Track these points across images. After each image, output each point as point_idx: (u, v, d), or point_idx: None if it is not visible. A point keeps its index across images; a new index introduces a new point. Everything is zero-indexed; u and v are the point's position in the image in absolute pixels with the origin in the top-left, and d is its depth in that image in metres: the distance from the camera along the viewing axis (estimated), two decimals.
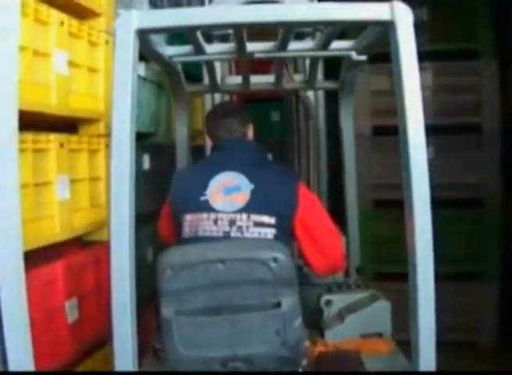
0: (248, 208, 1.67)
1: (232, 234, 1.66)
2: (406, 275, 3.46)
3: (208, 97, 2.83)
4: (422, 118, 1.38)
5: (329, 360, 1.81)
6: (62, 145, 1.88)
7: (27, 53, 1.67)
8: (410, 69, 1.37)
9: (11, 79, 1.43)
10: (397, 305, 3.41)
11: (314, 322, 2.08)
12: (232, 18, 1.35)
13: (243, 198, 1.68)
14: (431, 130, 3.51)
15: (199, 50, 1.75)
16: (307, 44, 1.77)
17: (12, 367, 1.38)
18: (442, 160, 3.50)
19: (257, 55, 1.86)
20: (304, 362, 1.61)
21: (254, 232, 1.66)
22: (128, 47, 1.33)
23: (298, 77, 2.55)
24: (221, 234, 1.67)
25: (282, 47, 1.74)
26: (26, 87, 1.64)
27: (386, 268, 3.50)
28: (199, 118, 3.17)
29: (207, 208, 1.69)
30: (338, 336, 1.99)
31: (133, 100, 1.36)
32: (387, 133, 3.40)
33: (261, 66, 2.44)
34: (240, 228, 1.66)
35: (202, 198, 1.70)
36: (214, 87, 2.27)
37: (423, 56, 3.46)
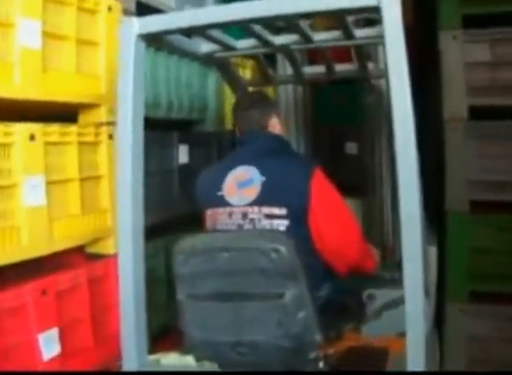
0: (259, 201, 1.82)
1: (246, 227, 1.83)
2: (510, 296, 3.15)
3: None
4: (410, 107, 1.40)
5: (354, 355, 1.90)
6: (32, 138, 1.65)
7: None
8: (397, 56, 1.39)
9: None
10: (497, 334, 3.11)
11: (359, 315, 2.16)
12: (221, 17, 1.51)
13: (254, 191, 1.83)
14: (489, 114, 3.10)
15: (226, 46, 1.92)
16: (334, 34, 1.85)
17: None
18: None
19: (293, 47, 2.00)
20: (313, 354, 1.72)
21: (266, 224, 1.81)
22: (130, 52, 1.55)
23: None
24: (235, 227, 1.85)
25: (306, 39, 1.84)
26: None
27: (485, 286, 3.08)
28: None
29: (223, 202, 1.88)
30: (374, 332, 2.05)
31: (137, 104, 1.57)
32: (488, 116, 3.10)
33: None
34: (252, 221, 1.82)
35: (218, 193, 1.89)
36: (267, 80, 2.42)
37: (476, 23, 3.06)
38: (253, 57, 2.25)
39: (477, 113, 3.14)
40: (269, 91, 3.37)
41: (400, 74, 1.39)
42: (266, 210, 1.81)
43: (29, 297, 1.65)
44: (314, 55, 2.91)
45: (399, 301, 2.12)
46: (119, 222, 1.58)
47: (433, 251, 3.10)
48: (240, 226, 1.84)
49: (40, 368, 1.67)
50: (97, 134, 2.00)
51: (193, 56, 2.06)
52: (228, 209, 1.86)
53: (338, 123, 3.73)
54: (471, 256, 3.11)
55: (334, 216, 1.86)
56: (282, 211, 1.80)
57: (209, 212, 1.93)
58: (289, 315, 1.65)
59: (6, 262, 1.58)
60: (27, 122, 1.71)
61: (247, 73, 3.03)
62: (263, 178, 1.84)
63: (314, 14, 1.49)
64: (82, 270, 1.93)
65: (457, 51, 3.10)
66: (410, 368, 1.45)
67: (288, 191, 1.81)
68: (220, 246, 1.68)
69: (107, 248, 2.04)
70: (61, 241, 1.84)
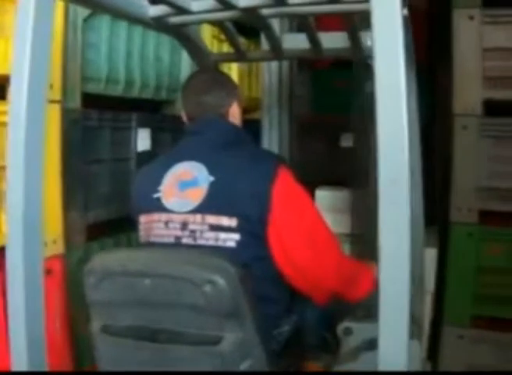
0: (203, 208, 1.40)
1: (184, 240, 1.41)
2: None
3: None
4: (404, 99, 1.00)
5: None
6: None
7: None
8: (387, 27, 1.01)
9: None
10: (500, 364, 2.69)
11: (330, 356, 1.76)
12: None
13: (198, 194, 1.41)
14: None
15: (179, 8, 1.50)
16: None
17: None
18: None
19: (264, 12, 1.58)
20: None
21: (210, 238, 1.39)
22: (28, 12, 1.12)
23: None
24: (172, 240, 1.42)
25: (277, 1, 1.42)
26: None
27: (490, 310, 2.63)
28: (254, 82, 2.87)
29: (158, 207, 1.45)
30: None
31: (37, 78, 1.16)
32: (507, 112, 2.59)
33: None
34: (192, 233, 1.40)
35: (155, 195, 1.46)
36: (239, 56, 1.99)
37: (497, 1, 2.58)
38: (219, 25, 1.82)
39: (493, 108, 2.65)
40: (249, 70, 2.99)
41: (390, 54, 0.99)
42: (212, 220, 1.39)
43: None
44: None
45: None
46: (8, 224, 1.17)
47: (431, 253, 2.66)
48: (178, 239, 1.42)
49: None
50: None
51: (141, 22, 1.63)
52: (164, 216, 1.44)
53: (337, 112, 3.32)
54: (476, 274, 2.64)
55: (303, 229, 1.42)
56: (233, 222, 1.38)
57: (143, 219, 1.50)
58: (228, 365, 1.24)
59: None
60: None
61: None
62: (211, 178, 1.41)
63: None
64: None
65: (473, 35, 2.60)
66: None
67: (242, 195, 1.39)
68: (140, 270, 1.27)
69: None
70: None
